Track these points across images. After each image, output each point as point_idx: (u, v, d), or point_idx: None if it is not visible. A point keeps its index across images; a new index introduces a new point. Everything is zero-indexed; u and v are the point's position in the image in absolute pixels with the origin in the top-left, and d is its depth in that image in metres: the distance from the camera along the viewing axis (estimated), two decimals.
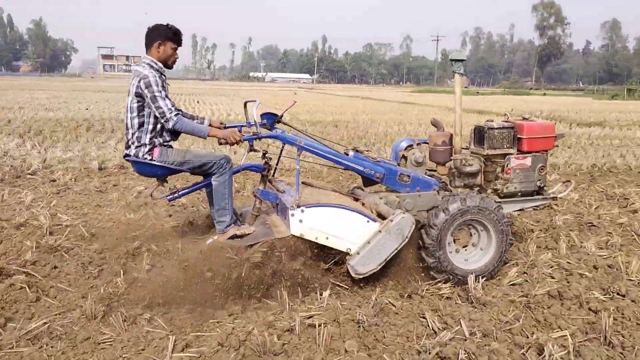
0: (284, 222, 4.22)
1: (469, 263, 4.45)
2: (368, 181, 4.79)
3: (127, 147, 4.19)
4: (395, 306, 3.87)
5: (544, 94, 56.56)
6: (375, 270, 4.10)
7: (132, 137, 4.13)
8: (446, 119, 18.00)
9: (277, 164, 4.82)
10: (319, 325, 3.36)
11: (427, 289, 4.20)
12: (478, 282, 4.15)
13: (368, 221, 4.14)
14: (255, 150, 4.35)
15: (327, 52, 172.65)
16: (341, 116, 19.91)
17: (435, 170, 4.90)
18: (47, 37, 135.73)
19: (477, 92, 57.61)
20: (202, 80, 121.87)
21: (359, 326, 3.47)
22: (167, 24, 4.22)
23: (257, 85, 77.15)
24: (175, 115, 4.02)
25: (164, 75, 4.19)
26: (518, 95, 54.19)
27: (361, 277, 4.10)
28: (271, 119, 4.47)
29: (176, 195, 4.36)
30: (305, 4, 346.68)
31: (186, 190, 4.43)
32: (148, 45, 4.19)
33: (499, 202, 4.63)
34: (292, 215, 3.99)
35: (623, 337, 3.42)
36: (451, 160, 4.78)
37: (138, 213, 5.96)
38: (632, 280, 4.37)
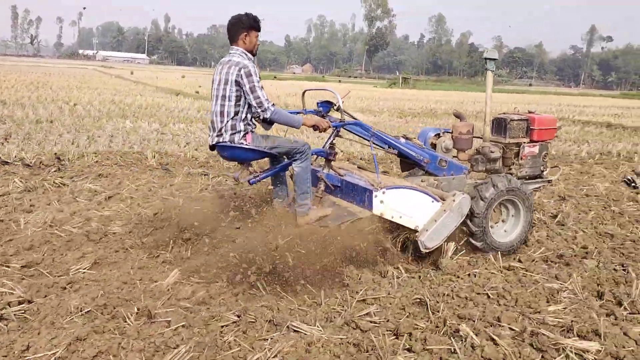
0: (352, 203, 4.61)
1: (502, 236, 4.93)
2: (405, 166, 5.30)
3: (219, 134, 4.27)
4: None
5: (339, 81, 58.46)
6: (439, 245, 4.45)
7: (226, 125, 4.23)
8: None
9: (324, 147, 4.94)
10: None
11: None
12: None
13: (432, 201, 4.49)
14: (340, 136, 4.75)
15: (170, 31, 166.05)
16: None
17: (455, 157, 5.36)
18: None
19: (274, 77, 58.17)
20: (18, 56, 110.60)
21: None
22: (246, 14, 4.37)
23: (65, 63, 71.13)
24: (272, 105, 4.19)
25: None
26: (312, 80, 55.50)
27: (428, 251, 4.42)
28: (327, 107, 4.75)
29: (257, 178, 4.51)
30: None
31: (266, 173, 4.59)
32: (233, 38, 4.35)
33: None
34: (375, 196, 4.31)
35: None
36: (471, 148, 5.33)
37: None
38: None
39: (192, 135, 10.76)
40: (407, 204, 4.41)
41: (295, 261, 3.84)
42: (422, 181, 4.97)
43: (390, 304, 3.68)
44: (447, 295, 3.83)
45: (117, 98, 17.75)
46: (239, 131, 4.22)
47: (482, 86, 74.19)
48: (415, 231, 4.45)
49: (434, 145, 5.26)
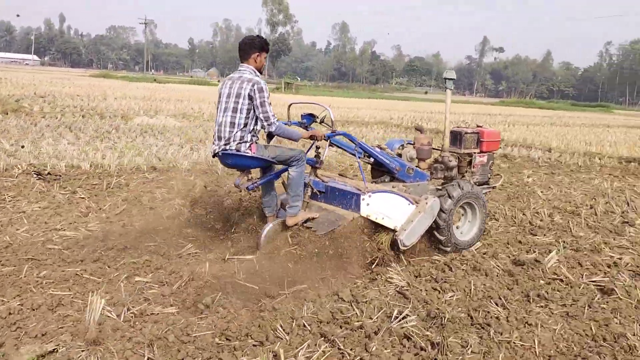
0: (338, 207, 4.99)
1: (463, 235, 5.56)
2: (376, 173, 5.87)
3: (227, 143, 4.60)
4: None
5: (218, 81, 57.39)
6: (414, 243, 5.00)
7: (234, 135, 4.59)
8: None
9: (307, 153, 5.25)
10: None
11: None
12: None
13: (409, 204, 5.02)
14: (332, 146, 5.22)
15: (66, 32, 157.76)
16: None
17: (417, 166, 5.92)
18: None
19: (154, 80, 56.36)
20: None
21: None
22: (259, 36, 4.87)
23: None
24: (277, 121, 4.59)
25: None
26: (195, 84, 54.41)
27: (406, 248, 4.94)
28: (310, 120, 5.18)
29: (255, 184, 4.83)
30: None
31: (262, 180, 4.94)
32: (245, 56, 4.76)
33: None
34: (363, 199, 4.76)
35: None
36: (431, 157, 5.97)
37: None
38: None
39: None
40: (388, 207, 4.89)
41: None
42: (392, 187, 5.39)
43: None
44: None
45: None
46: (246, 141, 4.59)
47: (378, 93, 76.25)
48: (395, 231, 4.90)
49: (399, 155, 5.79)
